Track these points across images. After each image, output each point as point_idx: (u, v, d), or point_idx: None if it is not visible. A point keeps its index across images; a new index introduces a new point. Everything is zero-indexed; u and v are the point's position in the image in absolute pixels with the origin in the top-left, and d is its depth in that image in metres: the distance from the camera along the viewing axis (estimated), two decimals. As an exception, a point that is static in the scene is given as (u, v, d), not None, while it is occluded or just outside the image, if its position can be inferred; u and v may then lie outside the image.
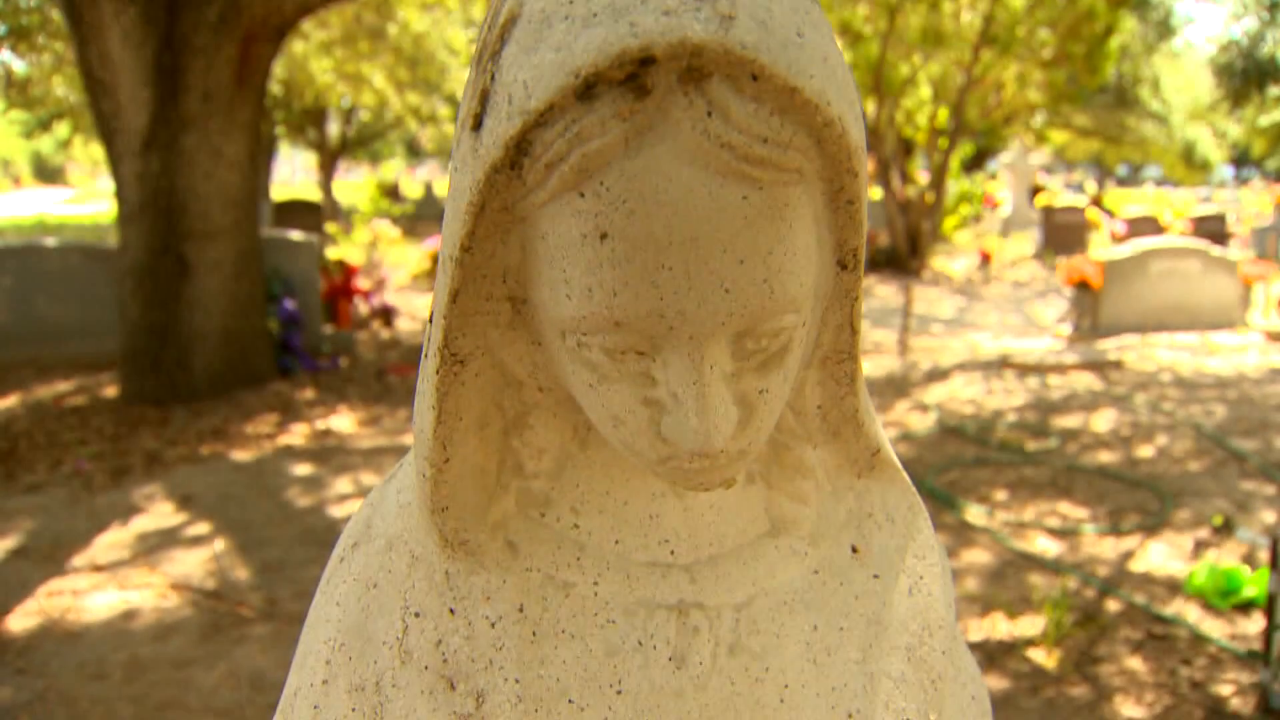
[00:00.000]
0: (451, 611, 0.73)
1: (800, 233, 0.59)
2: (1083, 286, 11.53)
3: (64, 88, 18.76)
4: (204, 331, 8.17)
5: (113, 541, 5.51)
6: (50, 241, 10.06)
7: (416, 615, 0.73)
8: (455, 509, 0.71)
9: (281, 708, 0.80)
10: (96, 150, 27.67)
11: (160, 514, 5.91)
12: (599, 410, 0.64)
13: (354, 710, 0.74)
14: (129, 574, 5.12)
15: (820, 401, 0.76)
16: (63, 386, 8.82)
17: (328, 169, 27.63)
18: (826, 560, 0.79)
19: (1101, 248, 16.99)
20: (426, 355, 0.68)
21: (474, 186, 0.59)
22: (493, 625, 0.72)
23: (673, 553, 0.74)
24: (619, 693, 0.72)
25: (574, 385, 0.65)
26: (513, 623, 0.72)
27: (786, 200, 0.57)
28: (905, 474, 0.85)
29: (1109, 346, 10.60)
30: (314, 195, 22.65)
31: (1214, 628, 4.55)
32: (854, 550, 0.80)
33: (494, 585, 0.73)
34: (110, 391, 8.52)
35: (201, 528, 5.68)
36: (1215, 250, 11.95)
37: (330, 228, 18.71)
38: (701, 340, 0.59)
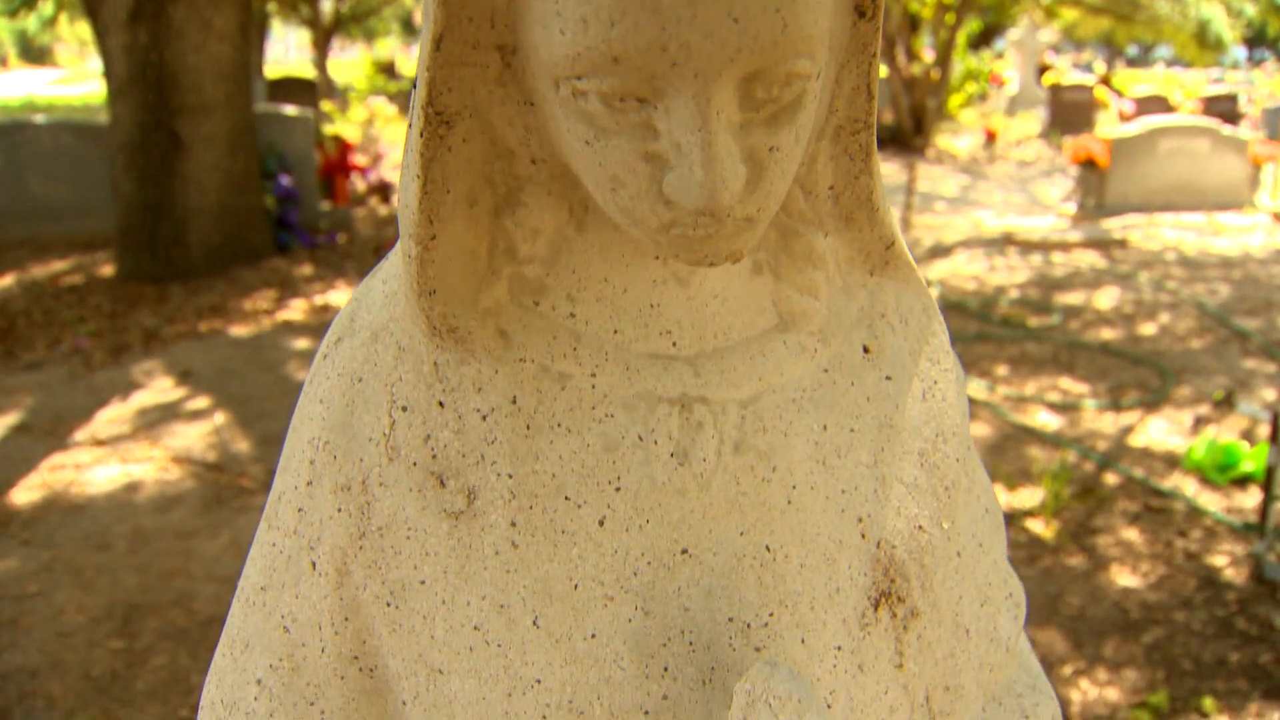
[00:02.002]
0: (440, 404, 0.69)
1: None
2: (1089, 165, 11.36)
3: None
4: (199, 208, 8.06)
5: (113, 417, 5.52)
6: (40, 119, 9.88)
7: (404, 409, 0.69)
8: (443, 293, 0.66)
9: (266, 514, 0.76)
10: (84, 29, 27.05)
11: (160, 389, 5.90)
12: (596, 172, 0.59)
13: (340, 511, 0.70)
14: (130, 448, 5.13)
15: (833, 181, 0.70)
16: (59, 266, 8.75)
17: (322, 47, 27.04)
18: (837, 359, 0.74)
19: (1109, 127, 16.71)
20: (411, 122, 0.62)
21: None
22: (484, 418, 0.68)
23: (675, 344, 0.70)
24: (618, 489, 0.68)
25: (570, 147, 0.60)
26: (505, 415, 0.68)
27: None
28: (919, 274, 0.80)
29: (1114, 225, 10.49)
30: (309, 74, 22.19)
31: (1211, 501, 4.58)
32: (866, 350, 0.75)
33: (485, 376, 0.68)
34: (107, 270, 8.45)
35: (201, 402, 5.68)
36: (1225, 130, 11.74)
37: (326, 106, 18.37)
38: (708, 80, 0.53)
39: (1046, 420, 5.38)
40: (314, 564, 0.71)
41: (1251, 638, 3.88)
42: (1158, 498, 4.61)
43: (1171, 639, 3.83)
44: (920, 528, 0.75)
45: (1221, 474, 4.76)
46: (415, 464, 0.68)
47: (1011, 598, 0.85)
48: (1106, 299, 7.66)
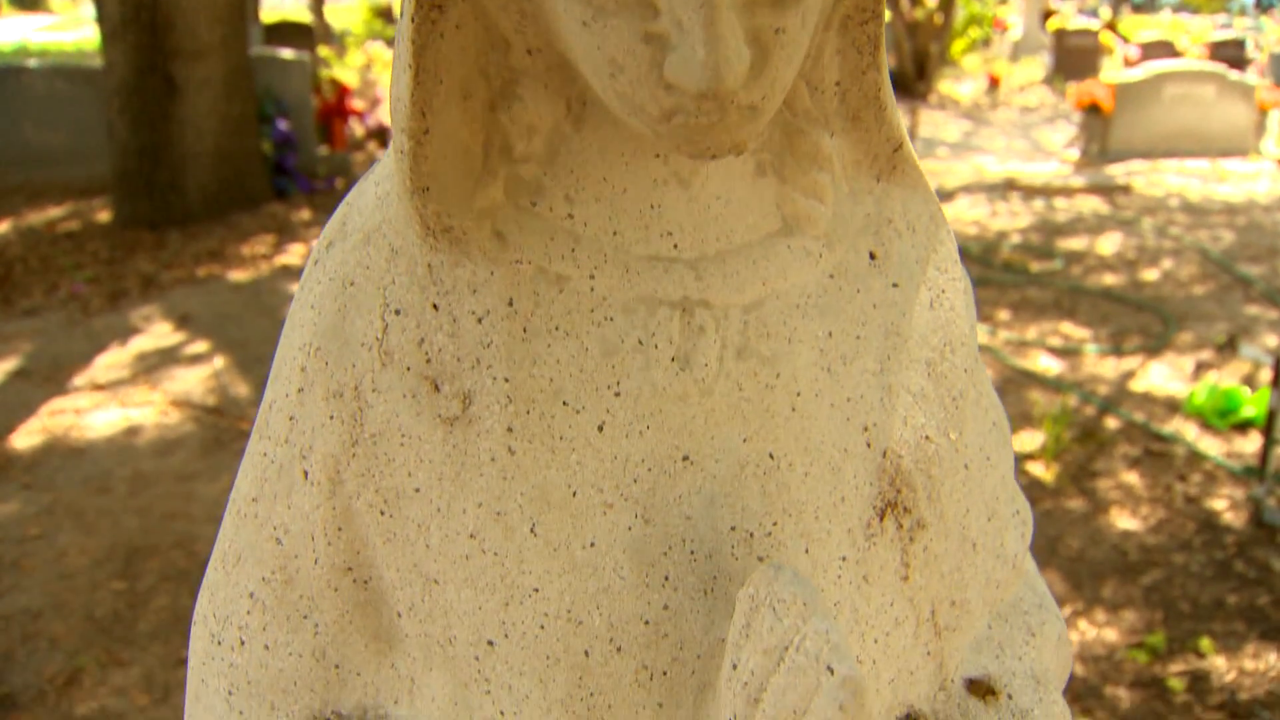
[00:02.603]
0: (435, 307, 0.66)
1: None
2: (1093, 110, 11.25)
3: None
4: (196, 153, 7.99)
5: (112, 362, 5.50)
6: (34, 64, 9.76)
7: (397, 313, 0.67)
8: (437, 191, 0.64)
9: (258, 424, 0.75)
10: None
11: (158, 334, 5.88)
12: (594, 57, 0.56)
13: (332, 418, 0.69)
14: (130, 392, 5.12)
15: (839, 76, 0.68)
16: (55, 212, 8.69)
17: (318, -8, 26.72)
18: (842, 265, 0.72)
19: (1114, 72, 16.55)
20: (403, 11, 0.60)
21: None
22: (479, 321, 0.66)
23: (676, 246, 0.67)
24: (617, 395, 0.66)
25: (567, 29, 0.57)
26: (501, 318, 0.66)
27: None
28: (927, 180, 0.77)
29: (1117, 171, 10.41)
30: (305, 18, 21.92)
31: (1211, 446, 4.58)
32: (872, 257, 0.73)
33: (480, 278, 0.66)
34: (103, 216, 8.39)
35: (200, 346, 5.66)
36: (1232, 75, 11.61)
37: (323, 51, 18.17)
38: None
39: (1048, 365, 5.36)
40: (306, 473, 0.70)
41: (1249, 580, 3.89)
42: (1158, 442, 4.61)
43: (1170, 581, 3.84)
44: (927, 438, 0.73)
45: (1222, 419, 4.76)
46: (409, 369, 0.66)
47: (1019, 515, 0.84)
48: (1109, 244, 7.62)
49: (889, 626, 0.71)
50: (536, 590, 0.65)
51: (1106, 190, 9.41)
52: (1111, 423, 4.77)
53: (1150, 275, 6.86)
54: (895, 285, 0.73)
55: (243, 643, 0.73)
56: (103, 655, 3.29)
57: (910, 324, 0.73)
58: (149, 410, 4.93)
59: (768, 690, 0.55)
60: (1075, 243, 7.67)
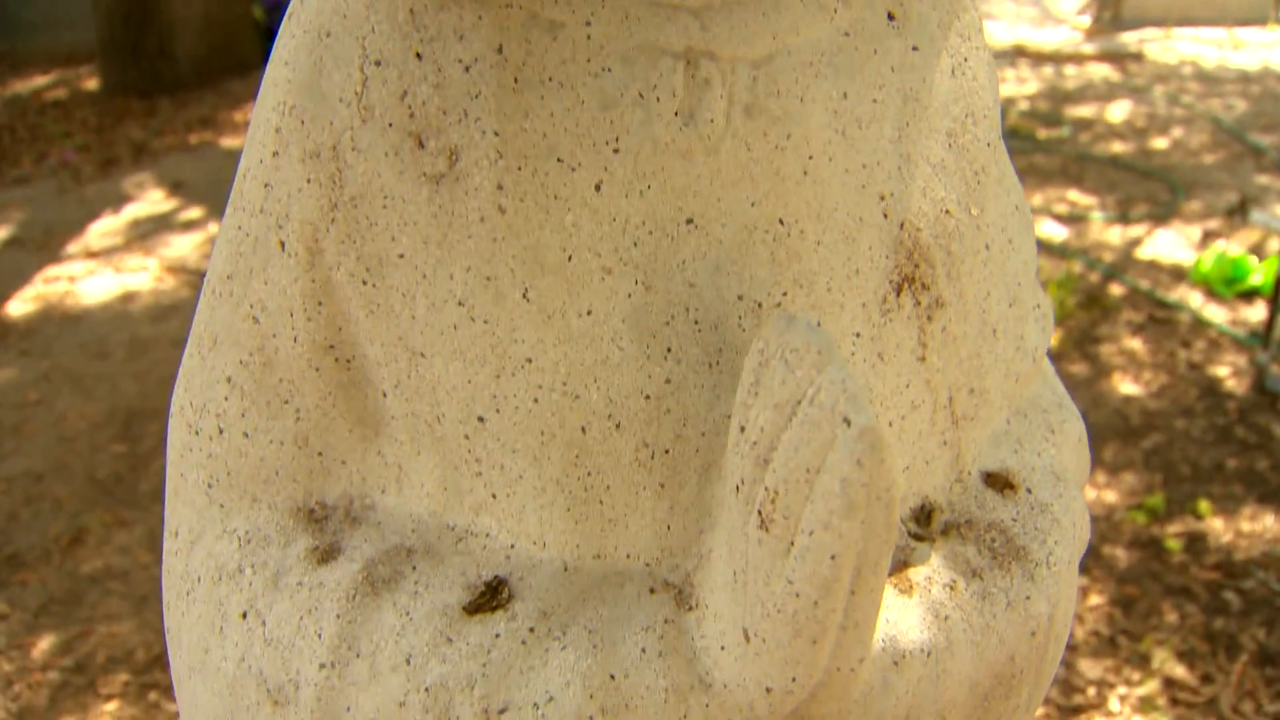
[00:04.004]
0: (418, 56, 0.61)
1: None
2: (1107, -22, 10.93)
3: None
4: (184, 17, 7.76)
5: (105, 229, 5.43)
6: (13, -75, 9.44)
7: (377, 64, 0.61)
8: None
9: (231, 197, 0.70)
10: None
11: (151, 201, 5.79)
12: None
13: (309, 181, 0.63)
14: (124, 259, 5.06)
15: None
16: (41, 80, 8.50)
17: None
18: (858, 23, 0.66)
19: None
20: None
21: None
22: (466, 70, 0.60)
23: None
24: (616, 151, 0.61)
25: None
26: (490, 66, 0.60)
27: None
28: None
29: (1130, 39, 10.15)
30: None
31: (1216, 314, 4.54)
32: (891, 17, 0.67)
33: (467, 23, 0.60)
34: (91, 84, 8.19)
35: (194, 213, 5.58)
36: (1251, -61, 11.25)
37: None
38: None
39: (1053, 232, 5.29)
40: (283, 243, 0.65)
41: (1250, 445, 3.89)
42: (1163, 309, 4.57)
43: (1170, 445, 3.84)
44: (947, 212, 0.68)
45: (1228, 287, 4.71)
46: (391, 124, 0.61)
47: (1040, 309, 0.79)
48: (1118, 112, 7.46)
49: (905, 410, 0.67)
50: (529, 361, 0.61)
51: (1118, 58, 9.19)
52: (1116, 289, 4.73)
53: (1160, 143, 6.73)
54: (915, 49, 0.68)
55: (221, 431, 0.69)
56: (106, 516, 3.31)
57: (930, 91, 0.68)
58: (144, 276, 4.88)
59: (778, 449, 0.51)
60: (1084, 110, 7.51)
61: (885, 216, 0.66)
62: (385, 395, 0.66)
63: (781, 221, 0.63)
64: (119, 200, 5.81)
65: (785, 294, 0.63)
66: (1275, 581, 2.99)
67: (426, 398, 0.64)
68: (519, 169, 0.60)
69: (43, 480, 3.51)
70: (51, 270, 4.99)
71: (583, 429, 0.61)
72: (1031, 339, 0.77)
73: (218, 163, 6.37)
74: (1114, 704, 2.35)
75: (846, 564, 0.49)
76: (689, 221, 0.61)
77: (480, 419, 0.62)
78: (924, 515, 0.69)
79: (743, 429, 0.54)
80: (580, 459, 0.62)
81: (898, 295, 0.66)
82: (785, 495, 0.50)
